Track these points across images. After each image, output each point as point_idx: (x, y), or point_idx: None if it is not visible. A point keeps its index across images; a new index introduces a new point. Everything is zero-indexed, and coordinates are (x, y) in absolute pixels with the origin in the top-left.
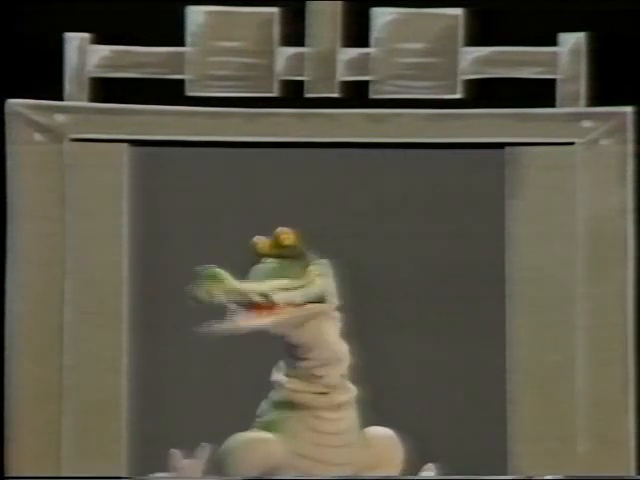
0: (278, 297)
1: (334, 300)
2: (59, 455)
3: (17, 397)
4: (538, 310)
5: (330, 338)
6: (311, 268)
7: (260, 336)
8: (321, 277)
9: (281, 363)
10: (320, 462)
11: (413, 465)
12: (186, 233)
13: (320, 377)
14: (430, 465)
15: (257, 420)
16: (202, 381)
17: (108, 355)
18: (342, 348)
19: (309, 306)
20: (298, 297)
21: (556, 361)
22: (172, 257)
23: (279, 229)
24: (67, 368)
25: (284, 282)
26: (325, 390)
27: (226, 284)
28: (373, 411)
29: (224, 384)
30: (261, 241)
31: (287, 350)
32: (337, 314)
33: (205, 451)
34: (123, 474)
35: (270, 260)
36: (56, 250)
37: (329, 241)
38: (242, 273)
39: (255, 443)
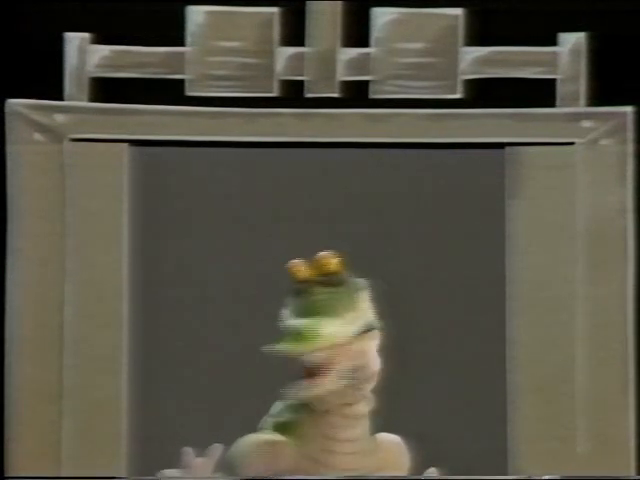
0: (342, 335)
1: (377, 321)
2: (59, 455)
3: (17, 397)
4: (538, 310)
5: (372, 358)
6: (359, 296)
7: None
8: (369, 303)
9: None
10: (329, 467)
11: (416, 469)
12: (186, 233)
13: (358, 390)
14: (433, 469)
15: (270, 420)
16: (202, 381)
17: (108, 355)
18: (378, 362)
19: (364, 336)
20: (357, 330)
21: (556, 361)
22: (172, 257)
23: (321, 254)
24: (67, 368)
25: (343, 319)
26: (352, 402)
27: (314, 341)
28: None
29: (224, 384)
30: (300, 267)
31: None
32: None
33: (217, 451)
34: (123, 474)
35: (317, 290)
36: (56, 250)
37: (328, 241)
38: (242, 274)
39: (266, 445)
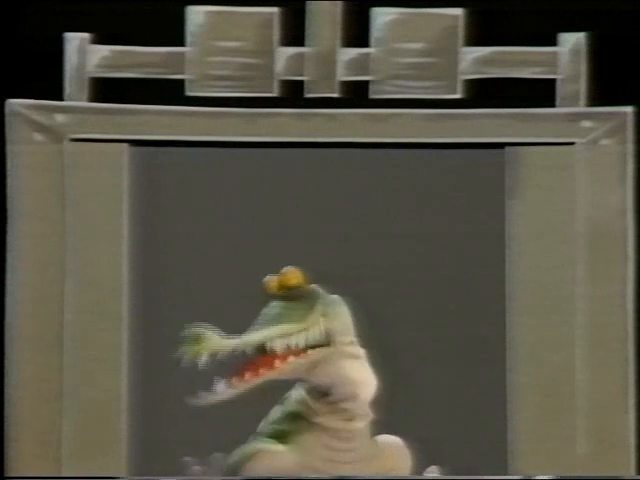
0: (275, 345)
1: (347, 337)
2: (59, 455)
3: (17, 397)
4: (538, 310)
5: (351, 374)
6: (316, 309)
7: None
8: (326, 317)
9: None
10: (329, 476)
11: (416, 469)
12: (186, 233)
13: (346, 409)
14: (433, 467)
15: (269, 426)
16: (202, 381)
17: (108, 355)
18: (367, 381)
19: (310, 352)
20: (297, 343)
21: (556, 361)
22: (172, 257)
23: (285, 269)
24: (67, 368)
25: (285, 328)
26: (348, 418)
27: (211, 343)
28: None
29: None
30: (270, 281)
31: (310, 385)
32: (357, 349)
33: (217, 459)
34: (123, 474)
35: (275, 303)
36: (56, 250)
37: (328, 241)
38: (242, 274)
39: (266, 454)
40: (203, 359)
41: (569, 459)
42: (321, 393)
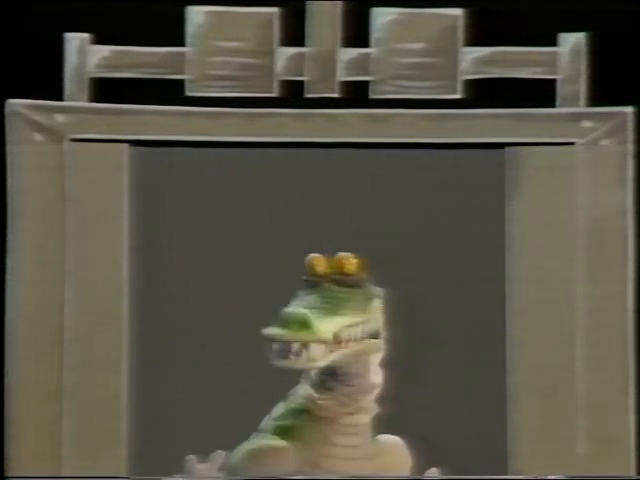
0: (344, 335)
1: (385, 332)
2: (59, 455)
3: (17, 397)
4: (538, 310)
5: (373, 368)
6: (375, 303)
7: (260, 336)
8: (382, 313)
9: (310, 375)
10: (331, 472)
11: (416, 469)
12: (186, 233)
13: (356, 401)
14: (433, 469)
15: (272, 423)
16: (202, 381)
17: (108, 355)
18: (380, 376)
19: (367, 342)
20: (360, 334)
21: (556, 361)
22: (172, 257)
23: (342, 254)
24: (67, 368)
25: (350, 319)
26: (354, 412)
27: (314, 331)
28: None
29: (225, 384)
30: (319, 261)
31: (327, 373)
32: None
33: (219, 457)
34: (123, 474)
35: (331, 287)
36: (56, 250)
37: (328, 241)
38: (242, 274)
39: (269, 451)
40: (297, 346)
41: (569, 459)
42: (339, 383)
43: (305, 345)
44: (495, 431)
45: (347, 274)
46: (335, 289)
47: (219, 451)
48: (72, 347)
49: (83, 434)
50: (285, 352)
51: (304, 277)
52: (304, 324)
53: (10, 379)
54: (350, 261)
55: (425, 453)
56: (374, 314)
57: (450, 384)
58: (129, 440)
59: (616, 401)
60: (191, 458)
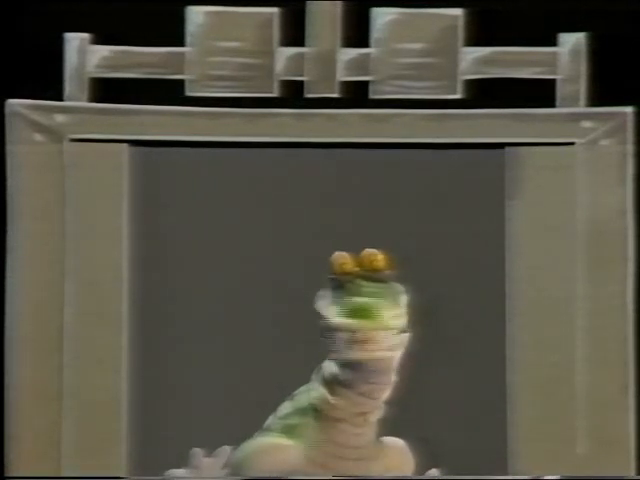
0: (403, 325)
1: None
2: (59, 455)
3: (17, 397)
4: (538, 310)
5: (395, 365)
6: (402, 298)
7: (260, 336)
8: (405, 308)
9: (323, 371)
10: (334, 472)
11: (417, 470)
12: (186, 233)
13: (373, 399)
14: (434, 470)
15: (278, 421)
16: (203, 381)
17: (108, 355)
18: (395, 375)
19: (402, 335)
20: (401, 325)
21: (556, 361)
22: (172, 257)
23: (368, 250)
24: (67, 368)
25: (397, 311)
26: (368, 411)
27: (384, 320)
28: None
29: (225, 384)
30: (346, 260)
31: (351, 368)
32: None
33: (225, 452)
34: (123, 474)
35: (364, 283)
36: (56, 250)
37: (328, 241)
38: (242, 274)
39: (274, 449)
40: (373, 335)
41: (569, 459)
42: (347, 385)
43: (378, 335)
44: (495, 431)
45: (376, 270)
46: (366, 285)
47: (225, 447)
48: (72, 347)
49: (83, 434)
50: (357, 342)
51: (329, 276)
52: (375, 314)
53: (10, 379)
54: (378, 257)
55: (426, 454)
56: (404, 309)
57: (450, 384)
58: (129, 440)
59: (616, 401)
60: (197, 451)
